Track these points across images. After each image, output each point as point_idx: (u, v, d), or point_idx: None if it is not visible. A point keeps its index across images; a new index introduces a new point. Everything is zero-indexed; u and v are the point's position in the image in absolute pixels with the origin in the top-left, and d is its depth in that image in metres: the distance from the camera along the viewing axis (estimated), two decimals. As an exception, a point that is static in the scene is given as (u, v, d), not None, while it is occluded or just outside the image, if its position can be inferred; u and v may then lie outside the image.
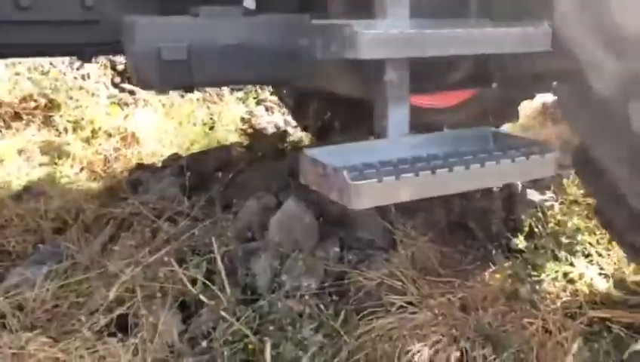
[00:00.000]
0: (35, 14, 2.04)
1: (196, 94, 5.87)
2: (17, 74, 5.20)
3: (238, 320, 2.05)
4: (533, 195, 2.93)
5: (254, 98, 6.00)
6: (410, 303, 2.28)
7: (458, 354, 1.95)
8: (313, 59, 1.93)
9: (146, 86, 2.14)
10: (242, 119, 5.11)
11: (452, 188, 1.73)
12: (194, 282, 2.12)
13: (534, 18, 1.87)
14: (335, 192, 1.59)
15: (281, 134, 4.18)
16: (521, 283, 2.35)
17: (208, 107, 5.68)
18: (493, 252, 2.56)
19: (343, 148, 1.96)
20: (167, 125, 5.15)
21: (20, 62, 5.33)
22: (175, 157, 3.54)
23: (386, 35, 1.66)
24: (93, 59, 5.46)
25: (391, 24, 1.80)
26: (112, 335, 1.95)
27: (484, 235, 2.68)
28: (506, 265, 2.47)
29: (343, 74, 2.19)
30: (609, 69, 1.63)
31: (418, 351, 2.00)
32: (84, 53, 2.47)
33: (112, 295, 1.96)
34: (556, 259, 2.52)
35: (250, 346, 1.96)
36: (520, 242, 2.59)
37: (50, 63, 5.51)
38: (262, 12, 2.16)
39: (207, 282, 2.10)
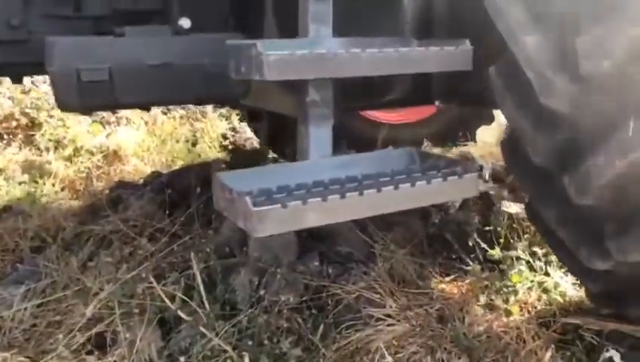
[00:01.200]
0: None
1: (179, 112, 5.90)
2: (-2, 93, 5.19)
3: (217, 335, 2.06)
4: (508, 207, 2.99)
5: (237, 115, 6.04)
6: (389, 315, 2.31)
7: (434, 363, 1.98)
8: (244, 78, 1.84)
9: (65, 108, 2.09)
10: (224, 136, 5.14)
11: (363, 212, 1.67)
12: (173, 298, 2.12)
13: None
14: (240, 219, 1.52)
15: (262, 150, 4.21)
16: (497, 294, 2.40)
17: (191, 124, 5.70)
18: (470, 263, 2.60)
19: (261, 171, 1.92)
20: (150, 142, 5.16)
21: (0, 82, 5.32)
22: (156, 175, 3.55)
23: (291, 56, 1.60)
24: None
25: (308, 44, 1.76)
26: (90, 353, 1.95)
27: (460, 247, 2.72)
28: (483, 276, 2.51)
29: (274, 92, 2.16)
30: (542, 143, 1.66)
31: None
32: (14, 73, 2.41)
33: (89, 312, 1.96)
34: (532, 269, 2.57)
35: (231, 359, 1.97)
36: (496, 253, 2.64)
37: (32, 82, 5.50)
38: (197, 32, 2.12)
39: (185, 298, 2.11)
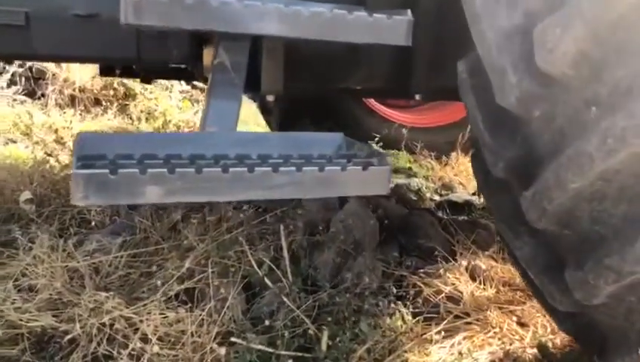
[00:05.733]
0: None
1: (263, 97, 6.05)
2: (101, 62, 5.52)
3: (298, 307, 2.12)
4: None
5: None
6: (467, 314, 2.29)
7: (514, 366, 1.95)
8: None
9: None
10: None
11: (223, 194, 1.36)
12: (260, 265, 2.20)
13: None
14: (72, 182, 1.28)
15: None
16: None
17: (274, 110, 5.84)
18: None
19: (137, 137, 1.66)
20: (234, 124, 5.34)
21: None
22: (244, 152, 3.65)
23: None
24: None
25: None
26: (182, 304, 2.06)
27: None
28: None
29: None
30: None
31: (474, 359, 2.00)
32: None
33: (187, 264, 2.06)
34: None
35: (309, 332, 2.02)
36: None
37: (131, 56, 5.81)
38: None
39: (272, 266, 2.18)
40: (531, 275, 1.51)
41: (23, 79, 5.24)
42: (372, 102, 4.14)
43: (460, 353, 2.05)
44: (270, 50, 1.75)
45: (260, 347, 1.91)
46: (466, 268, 2.56)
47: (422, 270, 2.50)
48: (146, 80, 2.99)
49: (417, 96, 2.29)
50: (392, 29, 1.60)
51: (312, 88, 2.35)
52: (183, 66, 2.30)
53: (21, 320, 1.94)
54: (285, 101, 3.39)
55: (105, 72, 2.71)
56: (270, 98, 1.92)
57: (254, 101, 3.90)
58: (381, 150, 1.57)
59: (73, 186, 1.24)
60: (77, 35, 1.83)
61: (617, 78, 1.11)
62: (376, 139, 4.10)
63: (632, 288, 1.23)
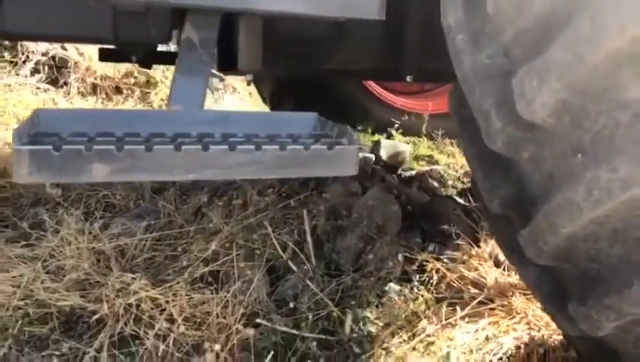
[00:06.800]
0: None
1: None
2: (122, 51, 5.55)
3: (322, 290, 2.13)
4: None
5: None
6: (491, 299, 2.28)
7: (542, 351, 1.93)
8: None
9: None
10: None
11: (174, 173, 1.28)
12: (284, 249, 2.21)
13: None
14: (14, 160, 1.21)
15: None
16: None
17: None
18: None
19: (95, 114, 1.58)
20: (253, 112, 5.36)
21: (125, 41, 5.69)
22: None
23: None
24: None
25: None
26: (207, 286, 2.07)
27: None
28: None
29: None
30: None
31: (499, 344, 1.99)
32: None
33: (213, 247, 2.08)
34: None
35: (333, 314, 2.02)
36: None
37: (152, 44, 5.84)
38: None
39: (296, 250, 2.18)
40: (538, 301, 1.50)
41: (46, 67, 5.29)
42: (380, 90, 4.10)
43: (486, 338, 2.04)
44: (248, 26, 1.70)
45: (284, 329, 1.92)
46: (490, 255, 2.54)
47: (445, 256, 2.48)
48: (145, 64, 2.96)
49: (409, 78, 2.25)
50: (365, 2, 1.55)
51: (294, 67, 2.27)
52: None
53: (50, 299, 1.98)
54: (291, 94, 3.39)
55: (104, 57, 2.69)
56: (249, 77, 1.86)
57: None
58: (351, 130, 1.47)
59: (15, 163, 1.17)
60: (51, 14, 1.79)
61: (598, 127, 1.10)
62: (396, 126, 4.09)
63: (636, 323, 1.23)
